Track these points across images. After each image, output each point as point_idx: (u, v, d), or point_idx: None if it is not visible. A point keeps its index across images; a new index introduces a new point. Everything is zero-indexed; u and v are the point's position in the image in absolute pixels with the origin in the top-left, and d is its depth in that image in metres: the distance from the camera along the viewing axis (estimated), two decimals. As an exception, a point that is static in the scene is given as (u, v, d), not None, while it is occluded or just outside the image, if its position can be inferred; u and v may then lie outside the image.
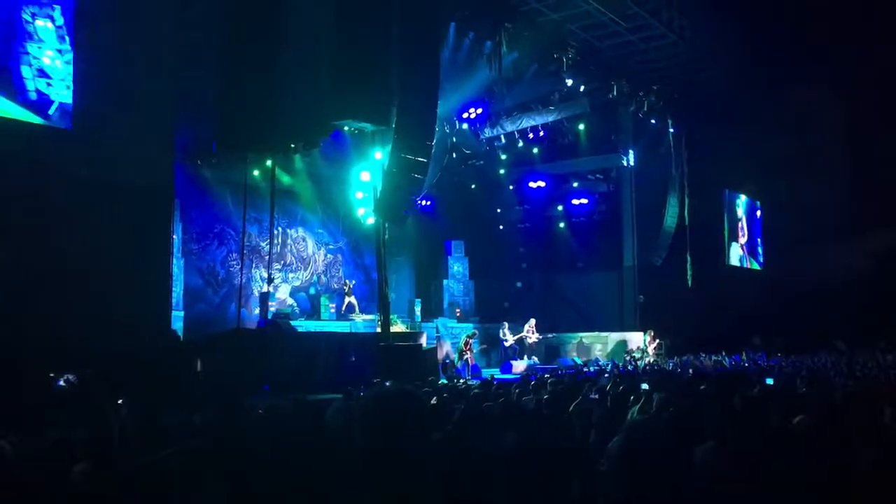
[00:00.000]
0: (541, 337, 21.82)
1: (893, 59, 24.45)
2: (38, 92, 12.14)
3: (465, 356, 18.74)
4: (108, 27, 12.79)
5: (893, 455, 2.20)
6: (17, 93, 11.88)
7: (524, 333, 21.46)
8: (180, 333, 17.00)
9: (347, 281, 22.49)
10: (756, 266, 31.12)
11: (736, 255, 29.95)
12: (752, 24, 22.27)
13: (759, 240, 31.54)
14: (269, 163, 18.82)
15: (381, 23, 14.80)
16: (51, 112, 12.27)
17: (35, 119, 12.06)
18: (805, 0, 23.35)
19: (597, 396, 7.64)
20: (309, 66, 16.23)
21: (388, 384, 8.47)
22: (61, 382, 10.41)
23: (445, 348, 19.36)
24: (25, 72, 11.98)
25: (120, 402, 8.24)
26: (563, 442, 5.66)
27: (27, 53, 12.03)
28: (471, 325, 22.89)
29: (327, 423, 7.03)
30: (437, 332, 20.96)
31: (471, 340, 19.22)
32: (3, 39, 11.83)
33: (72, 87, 12.36)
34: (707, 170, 25.65)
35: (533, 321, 21.80)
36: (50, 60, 12.24)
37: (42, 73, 12.18)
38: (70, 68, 12.38)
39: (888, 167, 26.05)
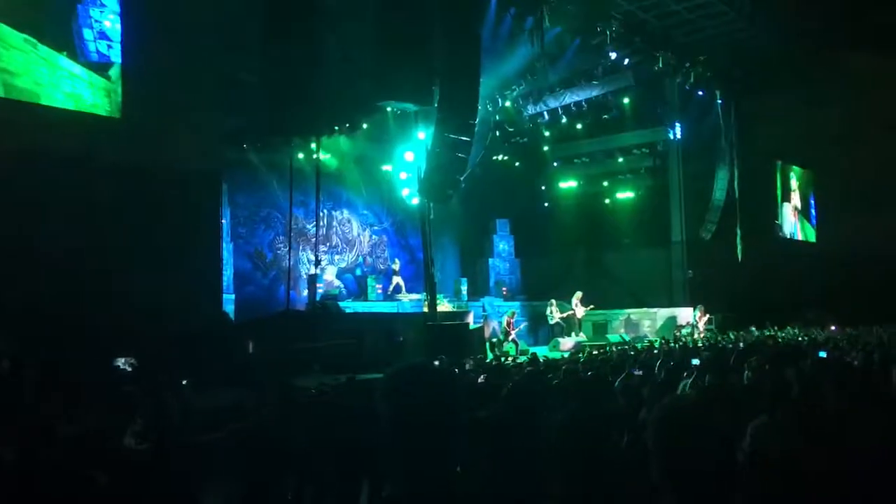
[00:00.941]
0: (588, 308, 21.56)
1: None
2: (99, 53, 12.62)
3: (511, 335, 18.75)
4: (155, 17, 13.02)
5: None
6: (80, 53, 12.44)
7: (572, 308, 21.31)
8: (232, 316, 17.35)
9: (397, 260, 22.65)
10: (810, 238, 30.42)
11: (788, 226, 29.30)
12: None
13: (812, 211, 30.80)
14: (313, 145, 18.97)
15: (422, 1, 14.74)
16: (111, 73, 12.69)
17: (98, 81, 12.53)
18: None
19: (640, 372, 7.57)
20: (351, 46, 16.28)
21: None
22: (122, 366, 10.71)
23: (492, 326, 19.39)
24: (87, 34, 12.49)
25: (185, 382, 8.49)
26: (607, 411, 5.65)
27: (89, 17, 12.55)
28: (516, 303, 22.87)
29: (375, 403, 7.10)
30: (484, 310, 20.99)
31: (511, 320, 19.19)
32: (67, 2, 12.40)
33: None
34: (756, 141, 25.04)
35: (580, 294, 21.60)
36: (111, 24, 12.72)
37: (102, 36, 12.63)
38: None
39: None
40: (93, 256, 11.74)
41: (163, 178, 12.72)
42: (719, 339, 18.09)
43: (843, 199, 27.86)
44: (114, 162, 12.26)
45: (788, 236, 29.20)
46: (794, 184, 29.93)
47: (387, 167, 22.51)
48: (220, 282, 15.65)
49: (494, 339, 18.35)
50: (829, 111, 25.51)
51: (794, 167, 29.81)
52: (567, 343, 19.58)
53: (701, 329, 20.97)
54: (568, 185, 27.69)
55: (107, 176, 12.19)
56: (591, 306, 21.59)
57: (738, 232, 24.16)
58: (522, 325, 20.44)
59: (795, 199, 29.91)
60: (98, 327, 10.93)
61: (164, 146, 12.85)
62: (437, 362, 12.18)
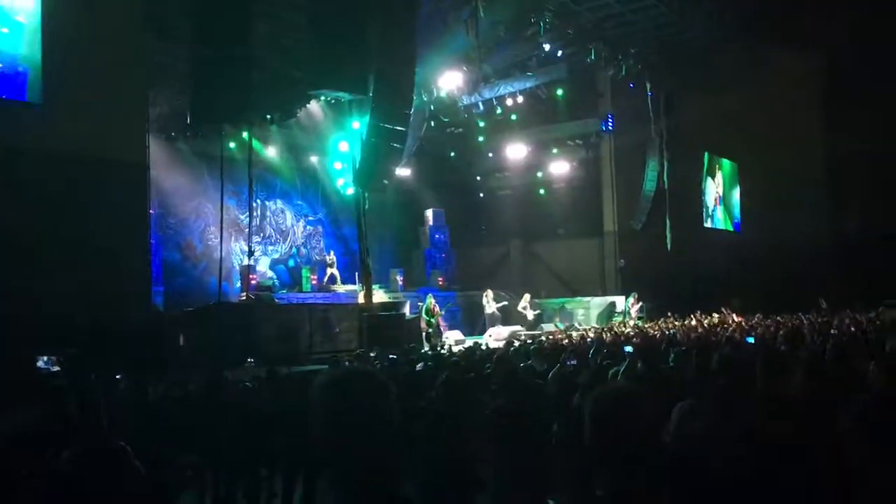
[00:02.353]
0: (537, 312, 21.89)
1: (871, 26, 24.50)
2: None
3: (439, 322, 18.73)
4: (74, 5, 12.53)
5: (878, 409, 2.24)
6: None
7: (522, 309, 21.54)
8: (161, 308, 16.95)
9: (333, 251, 22.43)
10: (732, 228, 31.41)
11: (713, 218, 30.19)
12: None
13: (736, 203, 31.80)
14: (245, 134, 18.62)
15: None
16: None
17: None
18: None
19: (575, 362, 7.71)
20: (284, 35, 16.03)
21: (348, 363, 8.49)
22: (44, 363, 10.34)
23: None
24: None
25: (118, 377, 8.25)
26: (539, 402, 5.74)
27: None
28: (452, 293, 22.97)
29: (310, 396, 7.05)
30: (420, 301, 21.00)
31: (436, 307, 19.14)
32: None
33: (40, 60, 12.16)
34: (686, 133, 25.69)
35: (528, 296, 21.89)
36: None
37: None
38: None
39: (863, 130, 26.26)
40: (12, 249, 11.28)
41: (86, 168, 12.29)
42: (649, 326, 18.53)
43: (766, 192, 28.86)
44: (34, 150, 11.79)
45: (715, 226, 30.09)
46: (719, 176, 30.82)
47: (314, 157, 22.28)
48: (148, 274, 15.25)
49: (431, 330, 18.33)
50: (754, 107, 26.32)
51: (721, 159, 30.70)
52: (503, 332, 19.76)
53: (633, 316, 21.45)
54: (502, 174, 27.91)
55: (27, 165, 11.72)
56: (538, 311, 21.94)
57: (668, 222, 24.77)
58: (444, 309, 20.30)
59: (720, 190, 30.82)
60: (19, 324, 10.52)
61: (88, 134, 12.40)
62: (372, 354, 12.17)
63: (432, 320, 18.52)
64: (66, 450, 3.30)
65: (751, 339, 10.45)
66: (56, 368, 10.20)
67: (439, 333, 18.38)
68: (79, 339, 10.46)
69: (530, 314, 21.55)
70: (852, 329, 11.83)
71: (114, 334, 11.05)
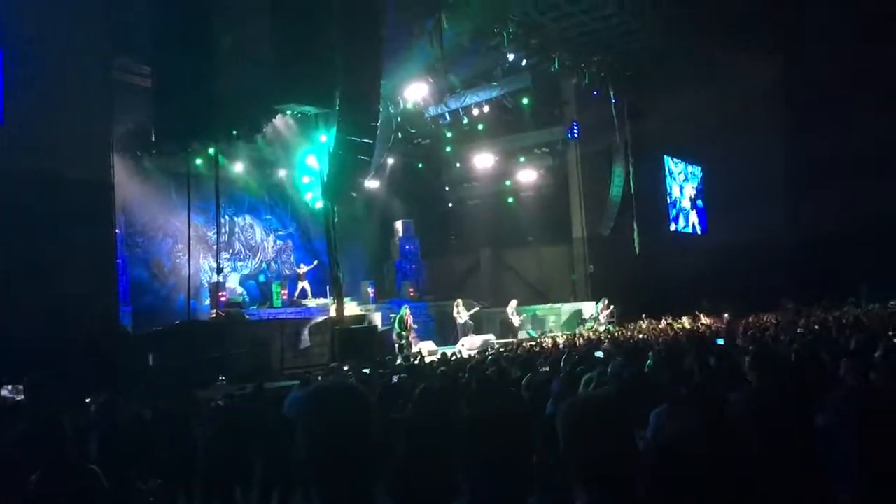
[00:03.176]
0: (522, 317, 21.96)
1: (829, 21, 25.07)
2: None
3: (409, 333, 18.71)
4: (36, 17, 12.34)
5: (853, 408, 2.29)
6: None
7: (508, 316, 21.60)
8: (129, 327, 16.70)
9: (303, 265, 22.26)
10: (699, 230, 31.80)
11: (680, 220, 30.55)
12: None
13: (701, 204, 32.21)
14: (211, 151, 18.45)
15: (322, 4, 14.58)
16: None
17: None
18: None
19: (548, 369, 7.75)
20: (248, 50, 15.94)
21: (327, 378, 8.44)
22: (8, 392, 10.15)
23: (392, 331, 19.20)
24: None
25: (88, 400, 8.10)
26: (514, 410, 5.73)
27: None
28: (424, 303, 22.95)
29: (285, 411, 7.01)
30: (392, 312, 20.92)
31: (410, 318, 19.12)
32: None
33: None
34: (650, 138, 26.00)
35: (514, 302, 21.96)
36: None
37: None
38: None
39: (821, 131, 26.82)
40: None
41: (51, 187, 12.11)
42: (620, 330, 18.67)
43: (730, 193, 29.27)
44: (-1, 169, 11.59)
45: (682, 229, 30.45)
46: (683, 179, 31.22)
47: (282, 172, 22.15)
48: (115, 293, 15.02)
49: (403, 342, 18.27)
50: (716, 110, 26.72)
51: (685, 163, 31.10)
52: (476, 341, 19.75)
53: (602, 321, 21.60)
54: (470, 184, 27.99)
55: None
56: (523, 316, 22.03)
57: (635, 227, 25.01)
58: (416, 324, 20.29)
59: (685, 193, 31.21)
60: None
61: (52, 153, 12.22)
62: (346, 367, 12.11)
63: (403, 332, 18.48)
64: (34, 473, 3.24)
65: (720, 341, 10.59)
66: (20, 398, 9.99)
67: (409, 346, 18.31)
68: (44, 361, 10.28)
69: (516, 320, 21.63)
70: (817, 328, 12.04)
71: (81, 355, 10.87)
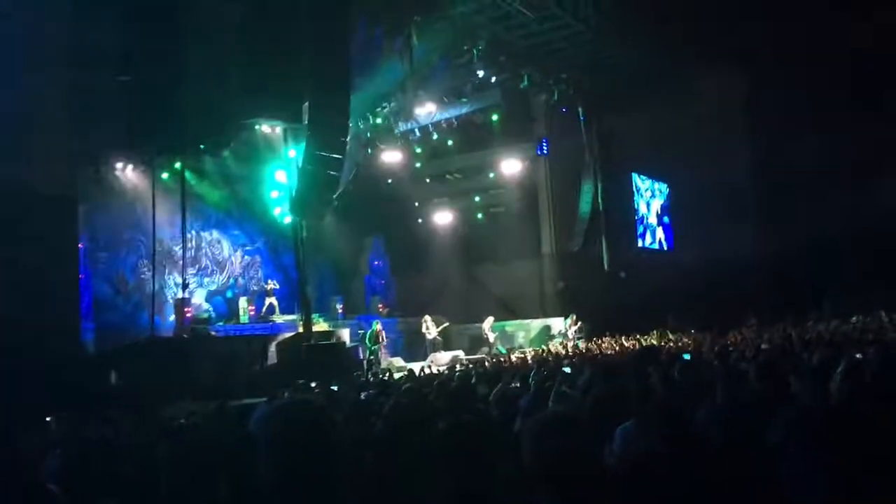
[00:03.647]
0: (496, 334, 21.99)
1: (792, 42, 25.61)
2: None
3: (378, 349, 18.63)
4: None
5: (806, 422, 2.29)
6: None
7: (484, 333, 21.63)
8: (91, 344, 16.40)
9: (270, 281, 22.04)
10: (666, 246, 32.13)
11: (648, 236, 30.85)
12: (658, 11, 22.84)
13: (667, 220, 32.56)
14: (178, 165, 18.27)
15: (290, 18, 14.55)
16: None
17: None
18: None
19: (518, 384, 7.74)
20: (216, 63, 15.82)
21: (287, 394, 8.36)
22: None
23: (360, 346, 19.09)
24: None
25: (49, 419, 7.91)
26: (482, 425, 5.71)
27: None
28: (393, 319, 22.87)
29: (251, 430, 6.89)
30: (361, 328, 20.81)
31: (382, 333, 19.03)
32: None
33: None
34: (618, 155, 26.28)
35: (491, 319, 21.97)
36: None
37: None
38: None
39: (787, 148, 27.33)
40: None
41: (12, 200, 11.87)
42: (588, 346, 18.76)
43: (696, 209, 29.65)
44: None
45: (649, 246, 30.74)
46: (651, 195, 31.56)
47: (250, 186, 21.98)
48: (77, 309, 14.75)
49: (372, 358, 18.14)
50: (683, 126, 27.11)
51: (651, 179, 31.45)
52: (444, 357, 19.72)
53: (570, 337, 21.69)
54: (440, 200, 28.03)
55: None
56: (497, 333, 22.07)
57: (604, 242, 25.21)
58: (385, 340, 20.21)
59: (652, 209, 31.55)
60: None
61: (12, 165, 11.99)
62: (313, 384, 11.98)
63: (374, 347, 18.37)
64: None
65: (686, 356, 10.66)
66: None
67: (378, 362, 18.20)
68: (2, 378, 10.04)
69: (491, 336, 21.67)
70: (780, 343, 12.18)
71: (40, 373, 10.64)
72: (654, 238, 31.38)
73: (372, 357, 18.10)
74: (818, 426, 2.09)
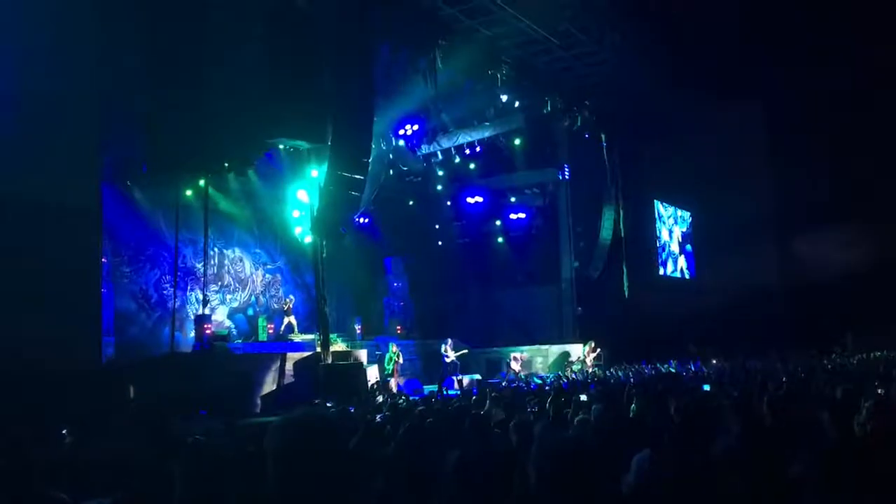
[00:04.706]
0: (522, 366, 21.91)
1: (812, 78, 25.51)
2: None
3: (397, 373, 18.62)
4: (25, 43, 12.35)
5: (832, 459, 2.24)
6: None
7: (512, 364, 21.57)
8: (111, 358, 16.50)
9: (287, 299, 22.09)
10: (688, 275, 31.90)
11: (669, 264, 30.65)
12: (681, 41, 22.91)
13: (689, 248, 32.36)
14: (202, 183, 18.44)
15: (315, 39, 14.72)
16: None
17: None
18: (732, 20, 24.20)
19: (536, 409, 7.67)
20: (241, 83, 16.01)
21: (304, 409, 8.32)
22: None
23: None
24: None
25: (64, 432, 7.93)
26: (498, 451, 5.67)
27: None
28: (411, 341, 22.81)
29: (265, 448, 6.87)
30: (378, 349, 20.79)
31: (400, 356, 19.03)
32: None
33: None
34: (639, 182, 26.22)
35: (516, 354, 21.95)
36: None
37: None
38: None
39: (808, 178, 27.13)
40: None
41: (36, 213, 12.02)
42: (607, 374, 18.59)
43: (718, 238, 29.46)
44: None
45: (671, 274, 30.53)
46: (672, 223, 31.41)
47: (272, 205, 22.15)
48: (99, 324, 14.84)
49: (383, 382, 18.07)
50: (705, 155, 27.02)
51: (674, 207, 31.32)
52: (462, 381, 19.63)
53: (589, 364, 21.51)
54: (461, 223, 28.06)
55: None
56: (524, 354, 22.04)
57: (625, 269, 25.06)
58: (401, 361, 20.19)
59: (676, 237, 31.38)
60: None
61: (38, 179, 12.15)
62: (329, 404, 11.96)
63: (389, 368, 18.43)
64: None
65: (706, 387, 10.53)
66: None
67: (387, 385, 18.10)
68: (21, 390, 10.11)
69: (517, 366, 21.57)
70: (803, 375, 12.01)
71: (59, 386, 10.70)
72: (676, 266, 31.16)
73: (381, 381, 18.07)
74: (842, 462, 2.04)
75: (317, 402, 13.74)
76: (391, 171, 24.13)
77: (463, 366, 21.33)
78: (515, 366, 21.61)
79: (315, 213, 16.08)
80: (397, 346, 19.64)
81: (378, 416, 9.27)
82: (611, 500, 2.19)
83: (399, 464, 4.99)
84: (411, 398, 14.46)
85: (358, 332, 22.33)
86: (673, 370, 18.36)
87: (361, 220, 22.57)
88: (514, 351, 23.23)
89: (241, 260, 22.98)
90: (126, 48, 14.83)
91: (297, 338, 20.48)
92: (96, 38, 13.50)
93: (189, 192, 19.48)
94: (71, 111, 12.78)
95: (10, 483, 3.66)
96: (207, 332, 18.38)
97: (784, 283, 28.14)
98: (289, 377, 15.90)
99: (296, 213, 20.66)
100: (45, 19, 12.70)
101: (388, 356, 18.63)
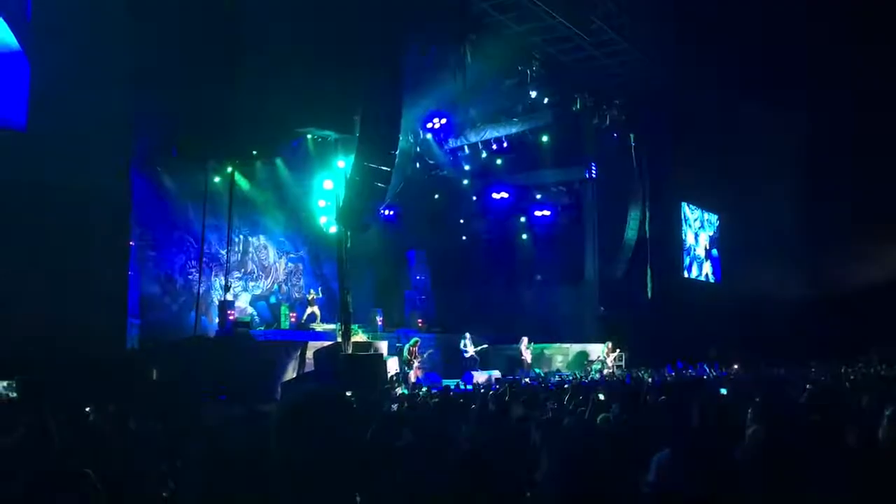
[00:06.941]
0: (532, 356, 21.84)
1: (845, 83, 25.11)
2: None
3: (415, 365, 18.65)
4: (63, 32, 12.54)
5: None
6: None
7: (522, 354, 21.52)
8: (136, 341, 16.70)
9: (312, 290, 22.21)
10: (713, 279, 31.60)
11: (694, 267, 30.39)
12: (713, 42, 22.67)
13: (716, 253, 32.06)
14: (229, 169, 18.60)
15: (344, 31, 14.77)
16: None
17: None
18: (764, 23, 23.88)
19: (555, 406, 7.65)
20: (271, 73, 16.13)
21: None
22: (3, 388, 10.15)
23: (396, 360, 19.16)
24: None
25: (88, 409, 8.05)
26: (512, 447, 5.68)
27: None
28: (431, 335, 22.81)
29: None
30: (399, 341, 20.84)
31: (415, 349, 19.05)
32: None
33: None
34: (667, 183, 26.00)
35: (525, 339, 21.85)
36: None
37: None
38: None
39: (844, 189, 26.73)
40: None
41: (68, 196, 12.20)
42: (628, 374, 18.49)
43: (746, 243, 29.14)
44: (16, 176, 11.71)
45: (695, 277, 30.26)
46: (699, 226, 31.13)
47: (298, 194, 22.26)
48: (125, 306, 15.03)
49: (401, 374, 18.11)
50: (736, 158, 26.71)
51: (701, 210, 31.03)
52: (481, 376, 19.60)
53: (610, 365, 21.40)
54: (486, 219, 28.01)
55: (9, 191, 11.63)
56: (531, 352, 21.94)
57: (649, 271, 24.89)
58: (426, 354, 20.21)
59: (701, 240, 31.09)
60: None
61: (71, 163, 12.34)
62: (349, 393, 12.00)
63: (407, 357, 18.50)
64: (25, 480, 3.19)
65: (724, 391, 10.42)
66: (14, 395, 10.00)
67: (406, 378, 18.14)
68: (48, 367, 10.28)
69: (528, 356, 21.51)
70: (827, 383, 11.86)
71: (85, 364, 10.86)
72: (701, 270, 30.88)
73: (397, 373, 18.11)
74: (864, 469, 2.02)
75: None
76: (417, 165, 24.14)
77: (483, 362, 21.30)
78: (527, 355, 21.54)
79: (340, 204, 16.14)
80: (419, 339, 19.69)
81: (395, 405, 9.31)
82: (629, 499, 2.18)
83: (414, 453, 5.01)
84: (432, 391, 14.50)
85: (379, 323, 22.39)
86: (694, 373, 18.21)
87: (386, 212, 22.59)
88: (534, 349, 23.17)
89: (265, 248, 23.14)
90: (160, 36, 14.97)
91: (319, 327, 20.60)
92: (131, 25, 13.65)
93: (217, 179, 19.65)
94: (104, 97, 12.94)
95: (34, 459, 3.72)
96: (231, 318, 18.57)
97: (810, 293, 27.75)
98: (309, 366, 16.00)
99: (321, 203, 20.75)
100: (81, 7, 12.88)
101: (406, 347, 18.69)
